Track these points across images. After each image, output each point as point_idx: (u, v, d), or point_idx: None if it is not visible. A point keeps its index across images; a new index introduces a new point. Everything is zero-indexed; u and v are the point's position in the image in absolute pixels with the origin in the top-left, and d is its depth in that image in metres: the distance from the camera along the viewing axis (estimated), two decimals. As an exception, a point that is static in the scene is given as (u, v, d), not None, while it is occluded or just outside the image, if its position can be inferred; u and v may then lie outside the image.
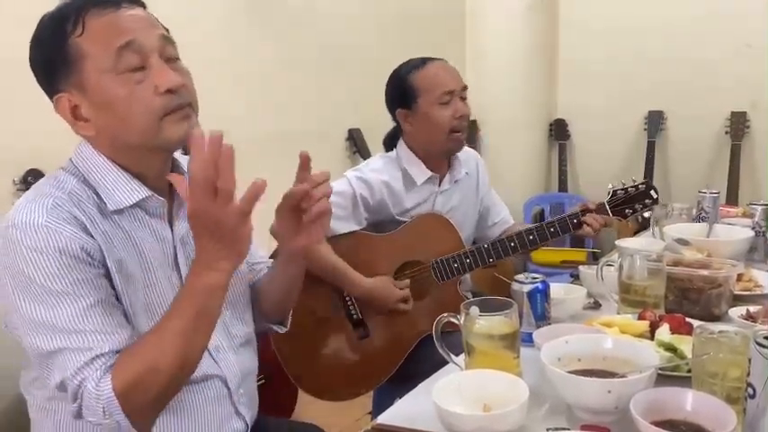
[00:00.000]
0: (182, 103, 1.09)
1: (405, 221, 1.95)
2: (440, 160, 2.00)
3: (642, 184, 1.93)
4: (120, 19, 1.08)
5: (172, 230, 1.18)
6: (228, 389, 1.24)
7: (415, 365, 1.84)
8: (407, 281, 1.90)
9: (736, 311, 1.47)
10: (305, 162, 1.15)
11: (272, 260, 1.42)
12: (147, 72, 1.07)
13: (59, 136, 1.93)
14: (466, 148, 2.21)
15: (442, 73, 1.94)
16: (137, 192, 1.12)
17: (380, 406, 1.27)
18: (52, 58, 1.09)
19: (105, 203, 1.11)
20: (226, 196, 0.94)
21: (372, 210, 1.93)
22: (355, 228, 1.90)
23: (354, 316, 1.90)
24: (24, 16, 2.04)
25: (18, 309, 1.03)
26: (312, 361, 1.89)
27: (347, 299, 1.90)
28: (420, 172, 1.97)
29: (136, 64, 1.07)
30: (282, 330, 1.42)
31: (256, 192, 0.96)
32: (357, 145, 3.36)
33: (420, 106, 1.93)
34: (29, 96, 2.06)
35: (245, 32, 2.85)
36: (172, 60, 1.11)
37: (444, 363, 1.30)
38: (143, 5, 1.13)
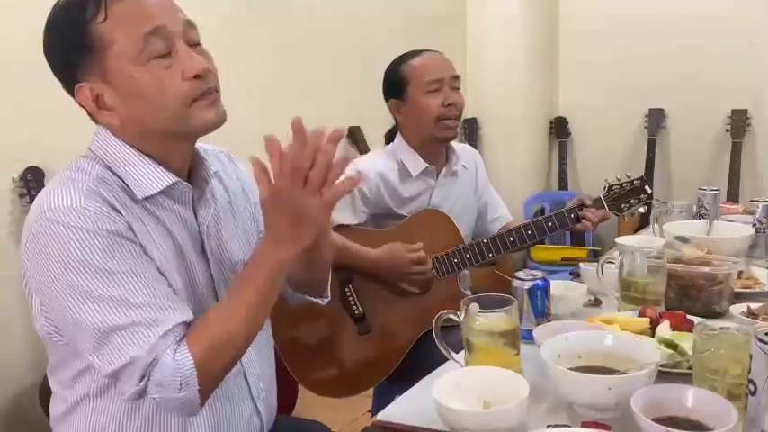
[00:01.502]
0: (210, 88, 1.08)
1: (403, 215, 1.95)
2: (434, 151, 2.00)
3: (637, 179, 1.94)
4: (144, 4, 1.05)
5: (196, 218, 1.17)
6: (248, 382, 1.22)
7: (415, 363, 1.84)
8: (420, 243, 1.88)
9: (737, 308, 1.47)
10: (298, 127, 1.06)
11: None
12: (172, 58, 1.05)
13: (59, 134, 1.94)
14: (465, 146, 2.21)
15: (431, 62, 1.95)
16: (163, 178, 1.10)
17: (380, 404, 1.27)
18: (71, 46, 1.05)
19: (132, 191, 1.09)
20: (314, 187, 0.97)
21: (370, 203, 1.93)
22: (352, 220, 1.90)
23: (356, 311, 1.89)
24: (22, 14, 2.06)
25: (71, 293, 0.99)
26: (313, 357, 1.89)
27: (348, 294, 1.90)
28: (415, 163, 1.97)
29: (162, 50, 1.04)
30: (324, 301, 1.40)
31: (344, 187, 1.00)
32: (357, 143, 3.36)
33: (409, 95, 1.94)
34: (28, 94, 2.11)
35: (245, 31, 2.85)
36: (195, 44, 1.09)
37: (444, 360, 1.30)
38: None
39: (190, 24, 1.09)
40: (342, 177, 1.16)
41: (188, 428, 1.13)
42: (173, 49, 1.05)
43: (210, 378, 1.02)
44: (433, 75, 1.92)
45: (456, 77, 1.97)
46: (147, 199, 1.09)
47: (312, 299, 1.38)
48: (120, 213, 1.04)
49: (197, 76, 1.05)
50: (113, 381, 1.06)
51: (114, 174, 1.09)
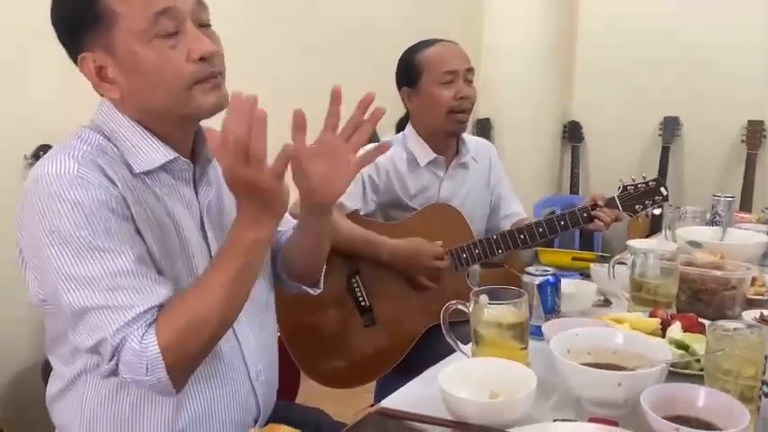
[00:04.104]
0: (214, 72, 1.06)
1: (412, 207, 1.94)
2: (444, 142, 1.99)
3: (653, 180, 1.91)
4: None
5: (197, 196, 1.16)
6: (245, 363, 1.21)
7: (421, 357, 1.81)
8: (440, 241, 1.87)
9: (750, 314, 1.45)
10: (337, 97, 1.11)
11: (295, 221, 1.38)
12: (179, 37, 1.04)
13: (71, 111, 1.92)
14: (480, 139, 2.19)
15: (447, 52, 1.93)
16: (163, 153, 1.09)
17: (384, 396, 1.25)
18: (79, 15, 1.04)
19: (131, 164, 1.08)
20: (258, 160, 0.94)
21: (379, 191, 1.92)
22: (363, 208, 1.89)
23: (362, 302, 1.88)
24: None
25: (53, 264, 0.99)
26: (316, 346, 1.88)
27: (355, 285, 1.88)
28: (423, 153, 1.96)
29: (171, 30, 1.03)
30: (316, 292, 1.39)
31: (288, 153, 0.97)
32: (370, 138, 3.34)
33: (422, 85, 1.93)
34: (40, 71, 2.11)
35: (260, 25, 2.84)
36: (204, 26, 1.08)
37: (450, 355, 1.28)
38: None
39: (200, 4, 1.08)
40: (360, 152, 1.16)
41: (181, 404, 1.12)
42: (181, 29, 1.04)
43: (182, 361, 1.00)
44: (448, 66, 1.90)
45: (470, 70, 1.95)
46: (145, 174, 1.09)
47: (306, 288, 1.37)
48: (116, 185, 1.03)
49: (202, 59, 1.04)
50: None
51: (114, 146, 1.08)
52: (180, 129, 1.13)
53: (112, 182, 1.03)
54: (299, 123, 1.07)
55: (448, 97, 1.90)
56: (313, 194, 1.18)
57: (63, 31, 1.08)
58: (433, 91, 1.91)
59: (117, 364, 0.99)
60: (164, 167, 1.10)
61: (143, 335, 0.98)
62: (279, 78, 2.84)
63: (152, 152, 1.09)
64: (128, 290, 0.99)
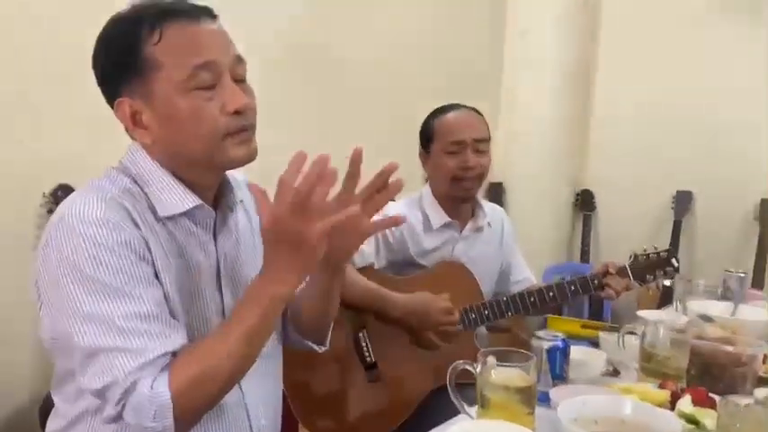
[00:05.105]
0: (245, 125, 1.09)
1: (423, 265, 1.94)
2: (457, 206, 2.01)
3: (664, 251, 1.92)
4: (200, 35, 1.07)
5: (215, 244, 1.17)
6: (248, 416, 1.20)
7: (425, 418, 1.78)
8: (447, 294, 1.86)
9: (762, 393, 1.42)
10: (358, 158, 1.12)
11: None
12: (216, 90, 1.06)
13: (91, 151, 1.96)
14: (494, 205, 2.21)
15: (457, 122, 1.97)
16: (188, 200, 1.11)
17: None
18: (122, 62, 1.07)
19: (155, 208, 1.09)
20: (313, 214, 0.96)
21: (392, 249, 1.93)
22: (374, 264, 1.89)
23: (368, 358, 1.86)
24: (56, 30, 2.13)
25: (69, 301, 1.00)
26: (317, 400, 1.85)
27: (362, 340, 1.87)
28: (438, 216, 1.98)
29: (209, 82, 1.06)
30: (322, 350, 1.38)
31: (348, 215, 0.98)
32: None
33: (433, 150, 1.98)
34: (63, 110, 2.15)
35: (282, 74, 2.90)
36: (240, 81, 1.11)
37: (455, 416, 1.26)
38: (216, 18, 1.12)
39: (239, 60, 1.11)
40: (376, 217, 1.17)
41: None
42: (218, 82, 1.07)
43: (189, 411, 1.00)
44: (455, 136, 1.94)
45: (481, 140, 1.97)
46: (168, 218, 1.10)
47: (311, 345, 1.37)
48: (139, 228, 1.05)
49: (237, 112, 1.07)
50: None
51: (141, 189, 1.10)
52: (207, 177, 1.15)
53: (137, 225, 1.05)
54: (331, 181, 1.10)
55: (451, 166, 1.93)
56: (327, 253, 1.18)
57: (102, 76, 1.11)
58: (440, 159, 1.96)
59: (123, 408, 0.98)
60: (187, 214, 1.12)
61: (154, 380, 0.98)
62: (297, 123, 2.89)
63: (178, 198, 1.10)
64: (143, 334, 1.00)
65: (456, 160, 1.93)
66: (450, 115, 1.98)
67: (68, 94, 2.13)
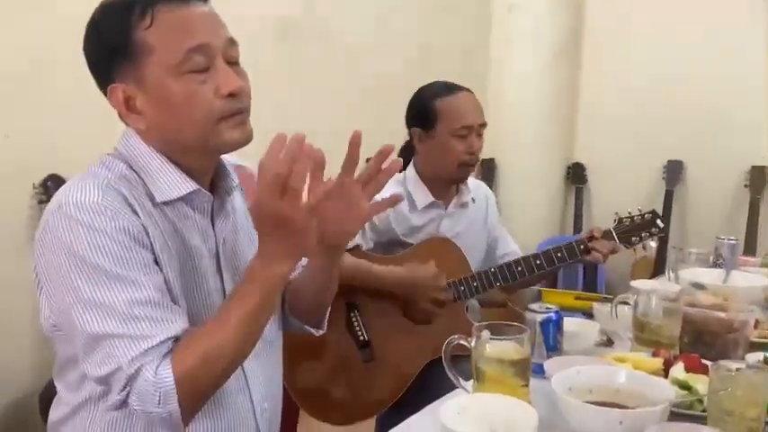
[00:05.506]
0: (240, 108, 1.08)
1: (410, 243, 1.95)
2: (446, 188, 2.01)
3: (648, 213, 1.93)
4: (191, 18, 1.06)
5: (213, 229, 1.17)
6: (252, 402, 1.21)
7: (421, 392, 1.80)
8: (433, 262, 1.87)
9: (753, 357, 1.44)
10: (357, 141, 1.10)
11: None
12: (209, 73, 1.06)
13: (80, 141, 1.95)
14: (477, 181, 2.21)
15: (467, 105, 1.95)
16: (185, 185, 1.10)
17: (384, 432, 1.26)
18: (113, 47, 1.05)
19: (153, 193, 1.09)
20: (295, 194, 0.94)
21: (378, 230, 1.93)
22: (361, 244, 1.90)
23: (361, 337, 1.87)
24: (42, 20, 2.11)
25: (70, 288, 1.00)
26: (314, 381, 1.86)
27: (354, 320, 1.88)
28: (423, 197, 1.98)
29: (202, 65, 1.05)
30: (319, 333, 1.38)
31: (325, 188, 0.97)
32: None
33: (437, 132, 1.94)
34: (49, 101, 2.14)
35: (272, 56, 2.88)
36: (233, 63, 1.10)
37: (451, 390, 1.27)
38: (207, 0, 1.10)
39: (232, 42, 1.10)
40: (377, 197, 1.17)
41: None
42: (211, 65, 1.06)
43: (194, 395, 1.00)
44: (465, 120, 1.92)
45: (483, 125, 1.97)
46: (165, 204, 1.10)
47: (308, 328, 1.37)
48: (137, 214, 1.04)
49: (231, 95, 1.06)
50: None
51: (137, 174, 1.10)
52: (202, 161, 1.14)
53: (134, 211, 1.04)
54: (320, 163, 1.09)
55: (461, 150, 1.91)
56: (326, 236, 1.18)
57: (94, 61, 1.09)
58: (448, 142, 1.92)
59: (128, 395, 0.98)
60: (184, 198, 1.11)
61: (158, 366, 0.98)
62: (280, 100, 2.87)
63: (174, 183, 1.10)
64: (145, 320, 1.00)
65: (464, 144, 1.92)
66: (459, 98, 1.95)
67: (57, 84, 2.12)
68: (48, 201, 2.10)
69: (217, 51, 1.06)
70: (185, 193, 1.10)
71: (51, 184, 2.18)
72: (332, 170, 1.16)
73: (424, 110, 1.96)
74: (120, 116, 1.11)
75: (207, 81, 1.05)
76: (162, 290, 1.04)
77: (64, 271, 1.00)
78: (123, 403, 0.99)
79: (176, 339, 1.02)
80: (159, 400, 0.97)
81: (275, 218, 0.97)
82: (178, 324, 1.03)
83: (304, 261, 1.32)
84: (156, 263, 1.06)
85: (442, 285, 1.87)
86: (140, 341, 0.98)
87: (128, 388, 0.98)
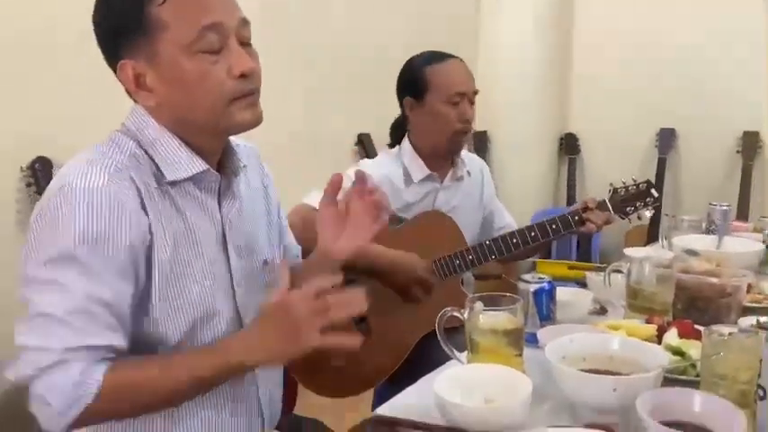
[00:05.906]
0: (252, 89, 1.07)
1: (405, 218, 1.94)
2: (441, 160, 1.99)
3: (643, 183, 1.92)
4: None
5: (220, 209, 1.16)
6: (258, 391, 1.22)
7: (417, 365, 1.81)
8: (417, 247, 1.85)
9: (746, 322, 1.45)
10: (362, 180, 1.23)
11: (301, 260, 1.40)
12: (222, 53, 1.04)
13: (68, 124, 1.93)
14: (472, 155, 2.20)
15: (458, 72, 1.92)
16: (195, 164, 1.09)
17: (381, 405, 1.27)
18: (126, 22, 1.03)
19: (162, 172, 1.07)
20: (321, 318, 1.01)
21: None
22: None
23: (357, 312, 1.87)
24: (31, 3, 2.07)
25: (42, 262, 0.98)
26: (312, 356, 1.86)
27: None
28: (419, 169, 1.96)
29: (215, 45, 1.03)
30: None
31: (338, 340, 1.06)
32: (366, 150, 3.35)
33: (429, 100, 1.91)
34: (38, 83, 2.11)
35: (258, 34, 2.85)
36: (246, 44, 1.09)
37: (446, 362, 1.28)
38: None
39: (245, 22, 1.09)
40: (345, 181, 1.21)
41: (183, 424, 1.11)
42: (225, 45, 1.05)
43: (103, 413, 1.00)
44: (458, 87, 1.89)
45: (475, 92, 1.94)
46: (172, 184, 1.08)
47: None
48: (142, 199, 1.03)
49: (243, 75, 1.05)
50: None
51: (145, 152, 1.08)
52: (212, 141, 1.13)
53: (140, 196, 1.03)
54: (336, 185, 1.14)
55: (453, 119, 1.89)
56: (329, 252, 1.24)
57: (105, 36, 1.07)
58: (440, 110, 1.89)
59: (37, 377, 0.95)
60: (192, 178, 1.10)
61: (86, 368, 0.96)
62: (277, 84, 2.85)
63: (184, 162, 1.09)
64: (96, 318, 0.98)
65: (456, 112, 1.89)
66: (448, 65, 1.92)
67: (45, 65, 2.09)
68: (35, 183, 2.12)
69: (230, 31, 1.05)
70: (195, 172, 1.09)
71: (39, 167, 2.15)
72: (319, 150, 1.16)
73: (415, 78, 1.93)
74: (129, 93, 1.10)
75: (219, 61, 1.04)
76: (125, 300, 1.02)
77: (45, 245, 0.98)
78: (23, 382, 0.97)
79: (116, 354, 1.00)
80: (71, 401, 0.95)
81: (291, 323, 1.00)
82: (123, 340, 1.01)
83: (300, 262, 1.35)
84: (150, 257, 1.04)
85: (423, 274, 1.83)
86: (82, 336, 0.97)
87: (44, 372, 0.95)
